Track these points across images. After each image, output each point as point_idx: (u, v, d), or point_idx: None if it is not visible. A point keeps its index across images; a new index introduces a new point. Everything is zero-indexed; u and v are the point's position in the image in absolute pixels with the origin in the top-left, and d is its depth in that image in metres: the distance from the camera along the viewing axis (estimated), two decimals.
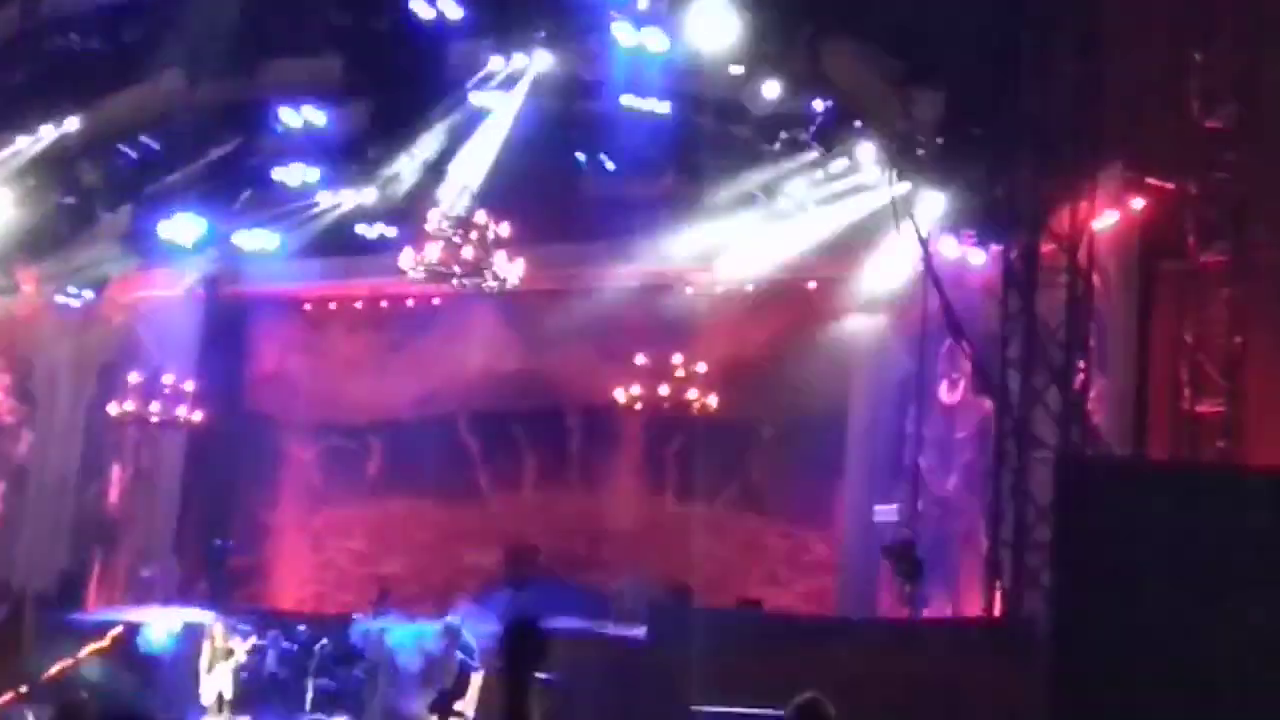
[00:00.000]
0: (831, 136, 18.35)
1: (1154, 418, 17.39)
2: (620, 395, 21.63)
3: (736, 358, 22.25)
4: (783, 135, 18.55)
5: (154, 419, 23.59)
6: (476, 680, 17.79)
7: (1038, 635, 14.33)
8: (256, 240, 22.57)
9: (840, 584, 21.19)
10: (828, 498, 21.63)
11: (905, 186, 18.14)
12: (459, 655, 18.25)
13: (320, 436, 25.54)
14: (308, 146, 20.29)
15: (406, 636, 19.42)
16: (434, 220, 19.94)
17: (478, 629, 18.43)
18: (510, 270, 20.14)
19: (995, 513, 16.84)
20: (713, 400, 21.38)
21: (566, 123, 19.80)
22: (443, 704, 17.83)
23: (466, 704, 17.89)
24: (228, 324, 25.34)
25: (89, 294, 23.93)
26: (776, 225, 20.45)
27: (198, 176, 21.40)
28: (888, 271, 20.45)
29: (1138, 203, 17.64)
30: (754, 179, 19.99)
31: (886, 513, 19.83)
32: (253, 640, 20.10)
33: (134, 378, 23.57)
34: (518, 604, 20.56)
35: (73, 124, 19.71)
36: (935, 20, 16.75)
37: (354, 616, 20.42)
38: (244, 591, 24.29)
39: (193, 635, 20.02)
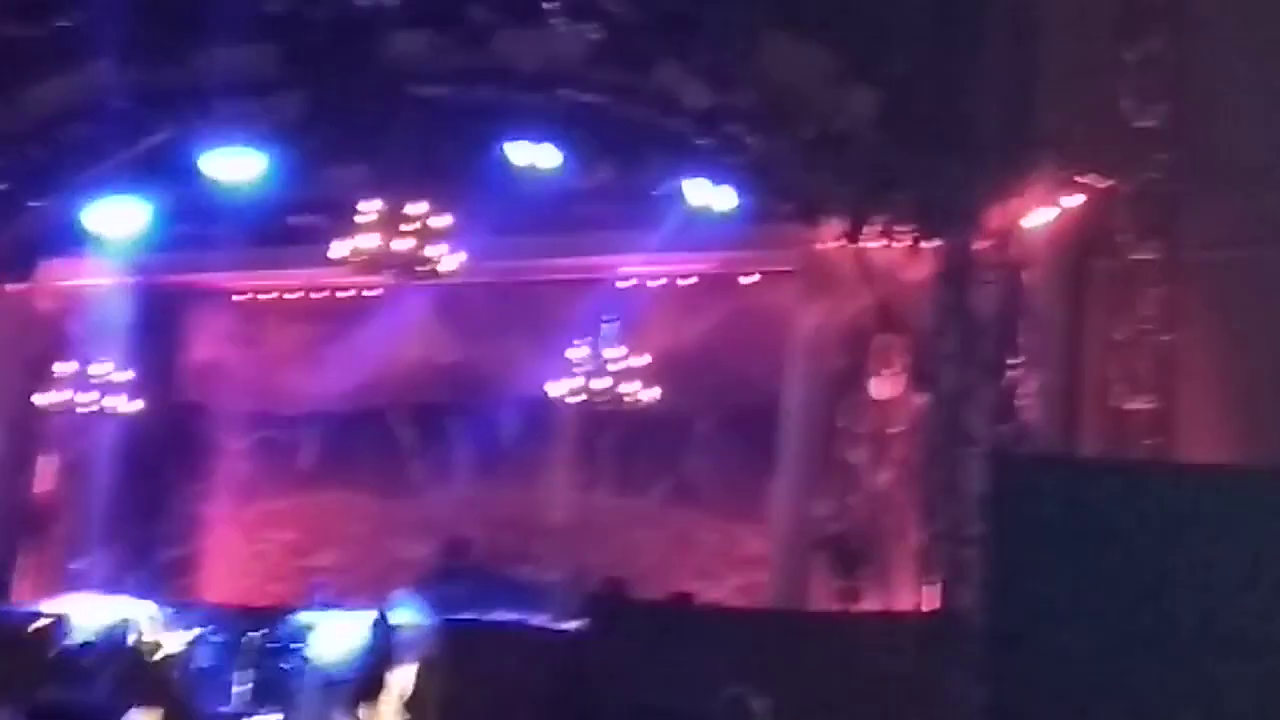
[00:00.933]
0: (768, 131, 18.37)
1: (1085, 414, 17.56)
2: (556, 388, 21.58)
3: (673, 351, 22.27)
4: (719, 129, 18.56)
5: (84, 409, 23.35)
6: (400, 674, 17.68)
7: (971, 629, 14.44)
8: (189, 230, 22.37)
9: (773, 578, 21.22)
10: (762, 491, 21.67)
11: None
12: (381, 649, 18.15)
13: (253, 428, 25.39)
14: (241, 136, 20.13)
15: (338, 629, 19.32)
16: (368, 210, 19.83)
17: (408, 622, 18.35)
18: (446, 262, 20.05)
19: (928, 507, 16.94)
20: (649, 394, 21.37)
21: (503, 113, 19.72)
22: (357, 698, 17.63)
23: (387, 698, 17.75)
24: (159, 314, 25.12)
25: (18, 282, 23.67)
26: (713, 218, 20.44)
27: (129, 165, 21.18)
28: (825, 266, 20.51)
29: (1070, 200, 17.78)
30: (691, 171, 19.97)
31: None
32: (182, 633, 19.96)
33: (65, 367, 23.31)
34: (451, 597, 20.54)
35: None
36: (871, 17, 16.81)
37: (285, 609, 20.30)
38: (175, 583, 24.12)
39: (122, 628, 19.85)
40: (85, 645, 19.70)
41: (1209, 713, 9.42)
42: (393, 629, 18.25)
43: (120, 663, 19.26)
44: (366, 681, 17.91)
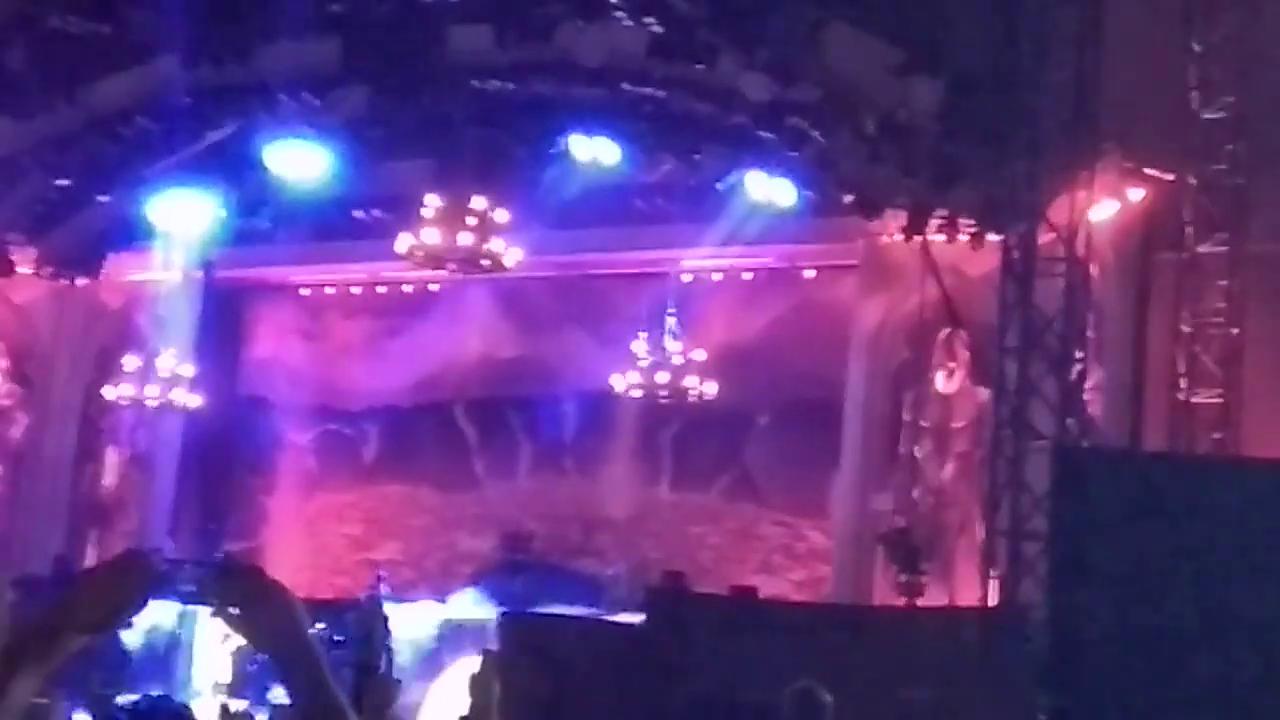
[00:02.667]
0: (829, 124, 18.32)
1: (1150, 408, 17.44)
2: (617, 382, 21.61)
3: (734, 345, 22.25)
4: (780, 123, 18.52)
5: (150, 403, 23.54)
6: (463, 665, 17.64)
7: (1033, 624, 14.36)
8: (254, 224, 22.53)
9: (835, 572, 21.17)
10: (823, 486, 21.62)
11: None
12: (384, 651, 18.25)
13: (316, 422, 25.53)
14: (305, 131, 20.24)
15: (401, 622, 19.42)
16: (431, 205, 19.91)
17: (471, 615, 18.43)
18: (508, 256, 20.11)
19: (991, 502, 16.86)
20: (709, 387, 21.35)
21: (564, 107, 19.75)
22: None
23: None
24: (225, 308, 25.31)
25: (86, 277, 23.90)
26: (775, 212, 20.41)
27: (194, 160, 21.32)
28: (887, 259, 20.45)
29: (1136, 193, 17.67)
30: (752, 165, 19.95)
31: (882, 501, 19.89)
32: None
33: (131, 361, 23.51)
34: (512, 590, 20.61)
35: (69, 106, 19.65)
36: (935, 9, 16.75)
37: (349, 601, 20.40)
38: None
39: (188, 619, 20.00)
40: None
41: (1274, 702, 9.35)
42: (383, 617, 18.40)
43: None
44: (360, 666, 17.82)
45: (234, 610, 3.67)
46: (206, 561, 4.23)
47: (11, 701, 3.58)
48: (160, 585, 3.68)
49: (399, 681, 18.52)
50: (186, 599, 3.81)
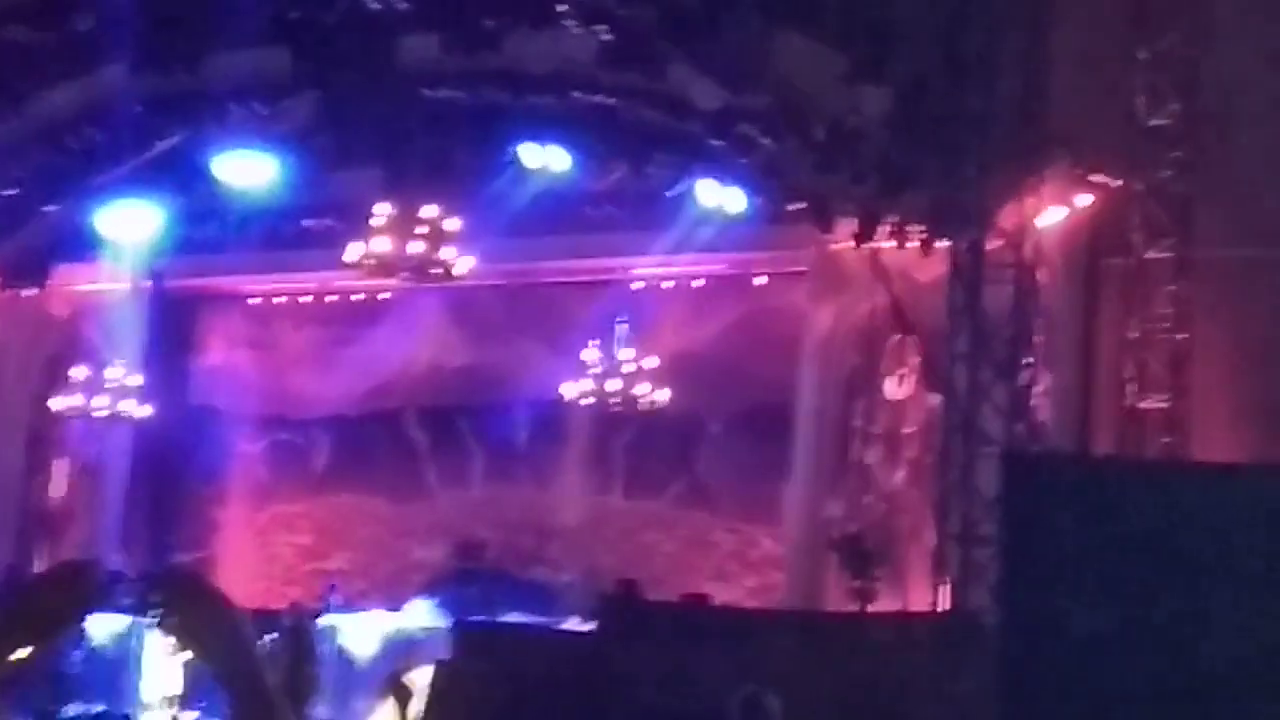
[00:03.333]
0: (779, 132, 18.36)
1: (1099, 413, 17.54)
2: (568, 390, 21.59)
3: (685, 353, 22.25)
4: (730, 130, 18.55)
5: (99, 413, 23.38)
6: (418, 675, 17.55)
7: (984, 629, 14.41)
8: (203, 233, 22.42)
9: (788, 579, 21.20)
10: (775, 493, 21.65)
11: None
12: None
13: (267, 431, 25.40)
14: (253, 140, 20.16)
15: (353, 631, 19.34)
16: (381, 214, 19.85)
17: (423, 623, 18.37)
18: (459, 264, 20.07)
19: (942, 507, 16.92)
20: (661, 395, 21.36)
21: (514, 116, 19.73)
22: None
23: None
24: (173, 318, 25.16)
25: (33, 287, 23.73)
26: (725, 219, 20.45)
27: (141, 169, 21.21)
28: (837, 266, 20.50)
29: (1083, 199, 17.77)
30: (703, 173, 19.98)
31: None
32: None
33: (79, 372, 23.35)
34: (465, 599, 20.56)
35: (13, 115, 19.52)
36: (883, 17, 16.80)
37: (299, 612, 20.30)
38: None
39: (138, 631, 19.86)
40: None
41: (1225, 710, 9.41)
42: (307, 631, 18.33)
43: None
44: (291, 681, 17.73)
45: (173, 620, 3.67)
46: (147, 573, 4.24)
47: None
48: (100, 597, 3.67)
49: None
50: (127, 610, 3.81)
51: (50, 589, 3.40)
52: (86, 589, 3.43)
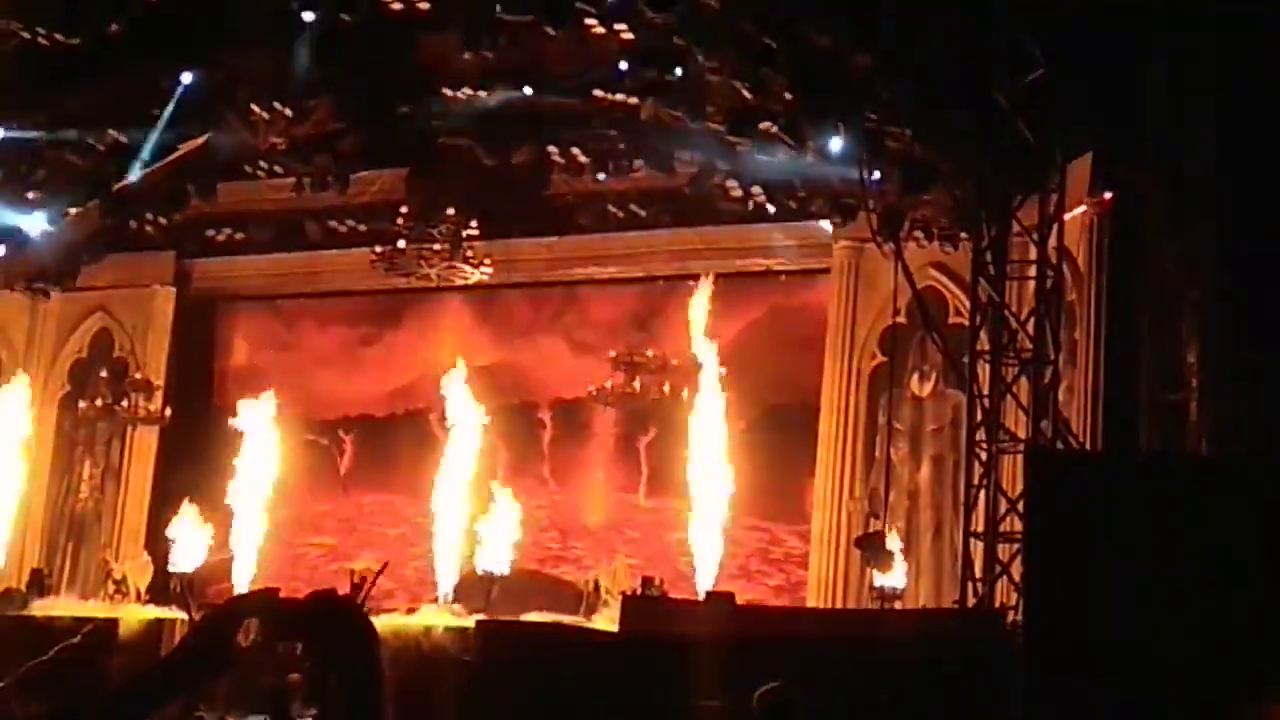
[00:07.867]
0: (801, 130, 18.33)
1: (1125, 410, 17.44)
2: (592, 389, 21.57)
3: (709, 350, 22.19)
4: (754, 128, 18.53)
5: (125, 414, 23.46)
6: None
7: (1009, 626, 14.38)
8: (227, 235, 22.50)
9: (812, 576, 21.16)
10: (799, 490, 21.61)
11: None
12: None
13: (292, 432, 25.42)
14: (277, 140, 20.23)
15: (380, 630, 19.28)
16: (404, 215, 19.90)
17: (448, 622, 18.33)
18: (483, 264, 20.10)
19: (966, 505, 16.87)
20: (685, 393, 21.34)
21: (536, 116, 19.75)
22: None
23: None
24: (198, 319, 25.23)
25: (59, 289, 23.84)
26: (749, 216, 20.45)
27: (168, 171, 21.30)
28: (861, 263, 20.47)
29: (1107, 194, 17.68)
30: (725, 171, 19.98)
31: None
32: None
33: (105, 373, 23.43)
34: (489, 599, 20.59)
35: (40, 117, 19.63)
36: (906, 9, 16.76)
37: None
38: (215, 588, 24.19)
39: (165, 632, 19.93)
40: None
41: (1248, 701, 9.37)
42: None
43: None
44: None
45: (321, 646, 3.63)
46: (296, 601, 4.17)
47: None
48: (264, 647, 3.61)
49: None
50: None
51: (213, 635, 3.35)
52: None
